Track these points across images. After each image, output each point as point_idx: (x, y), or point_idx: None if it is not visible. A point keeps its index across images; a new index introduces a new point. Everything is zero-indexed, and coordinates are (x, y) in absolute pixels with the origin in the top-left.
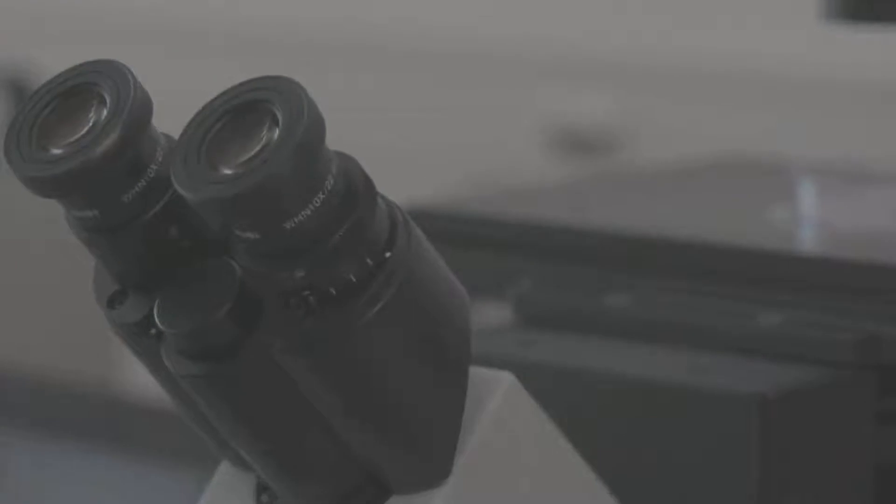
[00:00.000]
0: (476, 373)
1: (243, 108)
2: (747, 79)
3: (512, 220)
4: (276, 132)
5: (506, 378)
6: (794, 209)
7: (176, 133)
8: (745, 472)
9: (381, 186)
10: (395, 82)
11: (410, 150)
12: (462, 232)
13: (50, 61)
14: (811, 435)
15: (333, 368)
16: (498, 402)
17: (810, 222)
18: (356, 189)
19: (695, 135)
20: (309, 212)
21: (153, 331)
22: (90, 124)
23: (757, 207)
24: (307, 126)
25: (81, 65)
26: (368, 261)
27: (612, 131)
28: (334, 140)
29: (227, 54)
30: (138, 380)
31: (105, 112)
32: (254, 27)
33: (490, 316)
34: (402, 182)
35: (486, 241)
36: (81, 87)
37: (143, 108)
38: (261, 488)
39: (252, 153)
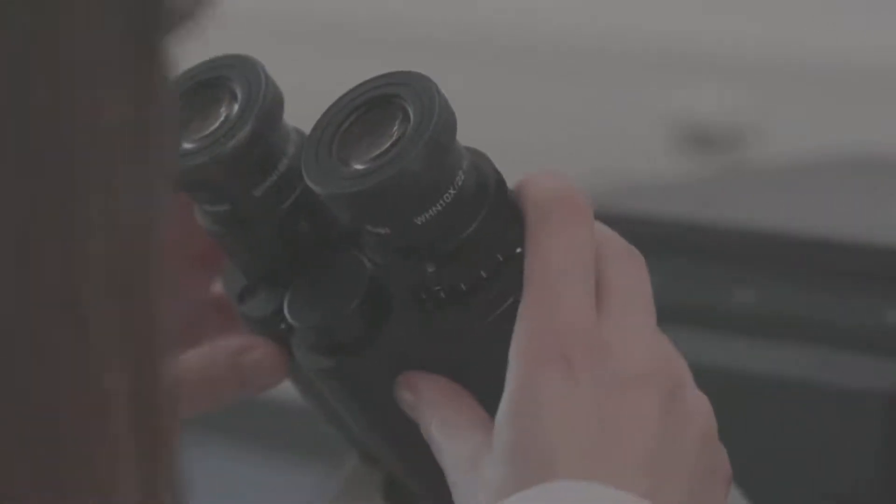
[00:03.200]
0: None
1: (374, 104)
2: (876, 74)
3: (638, 215)
4: (408, 128)
5: None
6: None
7: (306, 128)
8: (869, 471)
9: (510, 182)
10: (521, 79)
11: (537, 146)
12: None
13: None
14: None
15: (460, 363)
16: None
17: None
18: (486, 185)
19: (821, 130)
20: (439, 207)
21: (283, 325)
22: (221, 118)
23: (885, 204)
24: (438, 122)
25: (213, 59)
26: (499, 256)
27: (737, 127)
28: (460, 137)
29: (356, 52)
30: None
31: (236, 107)
32: (377, 25)
33: None
34: None
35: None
36: (213, 81)
37: (275, 102)
38: (388, 483)
39: (383, 148)
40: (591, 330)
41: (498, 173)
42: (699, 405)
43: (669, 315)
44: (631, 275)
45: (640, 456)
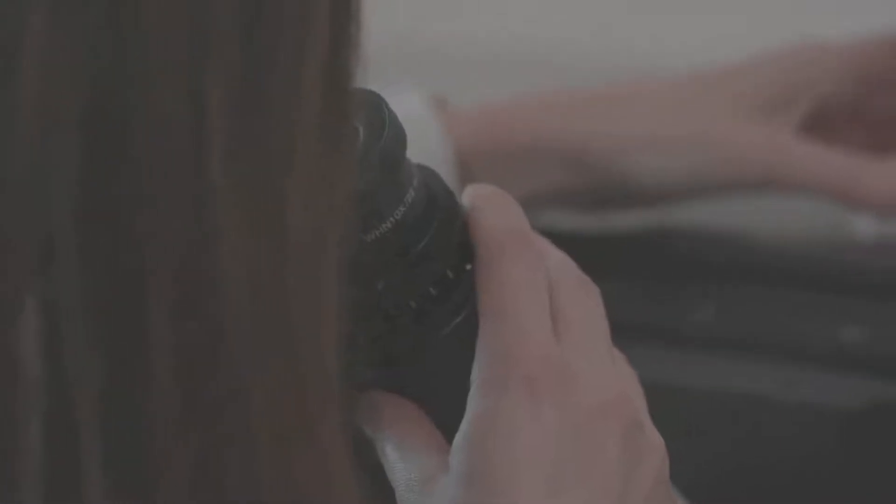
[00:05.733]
0: None
1: None
2: None
3: (595, 231)
4: (357, 145)
5: None
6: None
7: None
8: (825, 486)
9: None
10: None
11: None
12: None
13: None
14: (893, 448)
15: (413, 381)
16: None
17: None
18: (436, 201)
19: None
20: (389, 224)
21: None
22: None
23: (840, 221)
24: (388, 138)
25: None
26: (449, 273)
27: None
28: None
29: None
30: None
31: None
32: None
33: None
34: None
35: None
36: None
37: None
38: None
39: None
40: (554, 355)
41: (448, 189)
42: (655, 443)
43: (626, 332)
44: (585, 304)
45: (598, 488)
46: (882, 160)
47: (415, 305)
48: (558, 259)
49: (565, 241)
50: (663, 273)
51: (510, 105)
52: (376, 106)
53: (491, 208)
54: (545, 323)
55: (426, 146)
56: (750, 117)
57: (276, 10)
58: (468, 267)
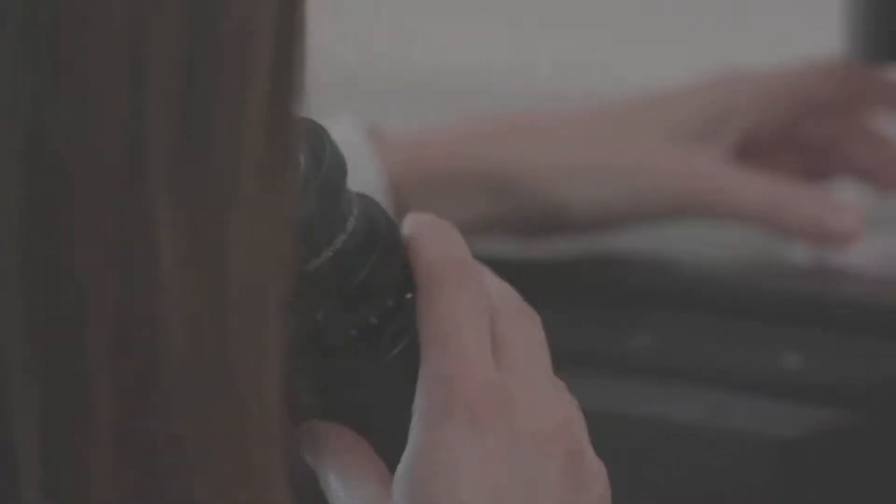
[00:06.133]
0: None
1: None
2: None
3: (533, 259)
4: (300, 175)
5: None
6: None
7: None
8: None
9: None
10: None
11: None
12: None
13: None
14: (832, 477)
15: (356, 411)
16: None
17: (832, 263)
18: (378, 230)
19: None
20: (330, 253)
21: None
22: None
23: (782, 247)
24: (329, 167)
25: None
26: (389, 302)
27: None
28: None
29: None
30: None
31: None
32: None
33: None
34: None
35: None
36: None
37: None
38: None
39: None
40: (496, 383)
41: (389, 218)
42: (597, 470)
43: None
44: (527, 332)
45: None
46: (813, 187)
47: (355, 334)
48: (499, 287)
49: (505, 269)
50: (603, 301)
51: (440, 132)
52: (317, 135)
53: (431, 237)
54: (487, 351)
55: (360, 174)
56: (682, 145)
57: (218, 43)
58: (409, 296)
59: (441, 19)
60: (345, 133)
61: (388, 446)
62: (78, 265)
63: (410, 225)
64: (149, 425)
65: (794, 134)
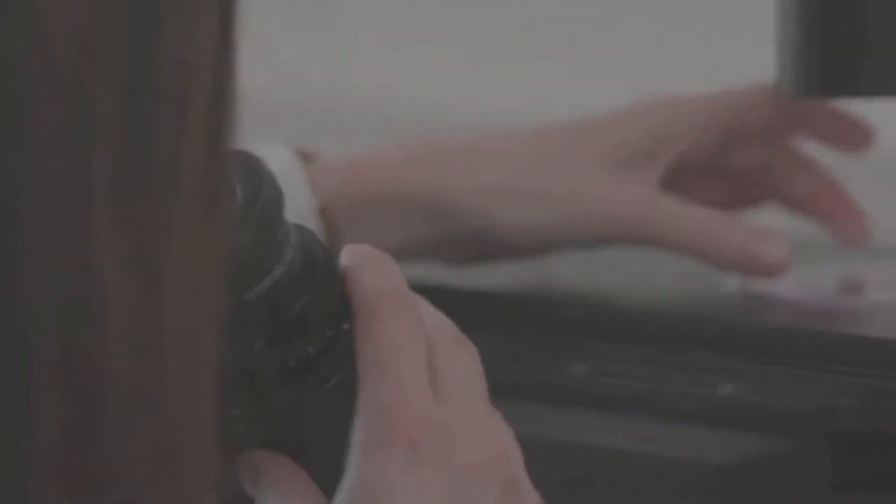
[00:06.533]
0: None
1: None
2: None
3: (469, 289)
4: (236, 205)
5: None
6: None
7: None
8: None
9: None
10: None
11: None
12: None
13: None
14: (766, 503)
15: (295, 441)
16: None
17: (764, 292)
18: (315, 261)
19: None
20: (268, 283)
21: None
22: None
23: (716, 275)
24: (265, 198)
25: None
26: (328, 332)
27: None
28: None
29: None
30: None
31: None
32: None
33: None
34: None
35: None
36: None
37: None
38: None
39: None
40: (434, 413)
41: (325, 249)
42: (533, 500)
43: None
44: (464, 362)
45: None
46: (740, 216)
47: (293, 365)
48: (435, 318)
49: (442, 297)
50: (540, 330)
51: (373, 157)
52: (253, 165)
53: (368, 267)
54: (424, 382)
55: (293, 200)
56: (612, 172)
57: (159, 75)
58: (346, 326)
59: (392, 53)
60: (277, 158)
61: (326, 476)
62: (23, 299)
63: (348, 255)
64: (91, 458)
65: (723, 161)
